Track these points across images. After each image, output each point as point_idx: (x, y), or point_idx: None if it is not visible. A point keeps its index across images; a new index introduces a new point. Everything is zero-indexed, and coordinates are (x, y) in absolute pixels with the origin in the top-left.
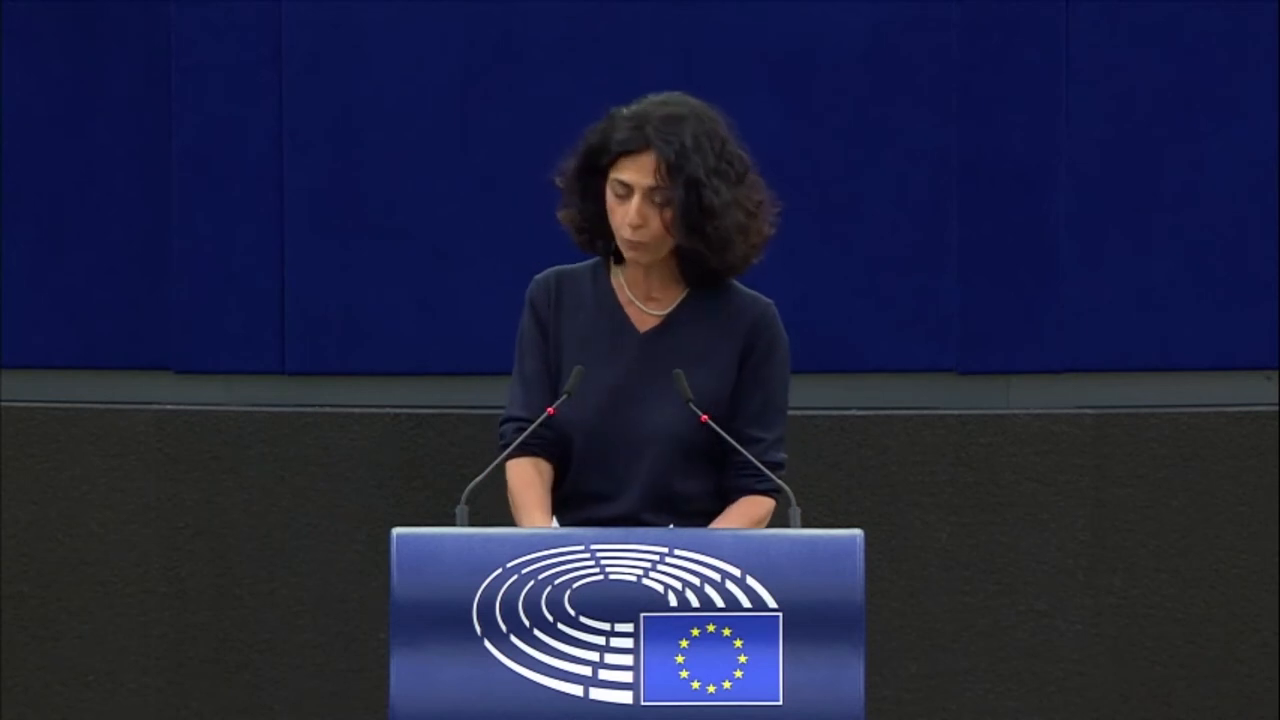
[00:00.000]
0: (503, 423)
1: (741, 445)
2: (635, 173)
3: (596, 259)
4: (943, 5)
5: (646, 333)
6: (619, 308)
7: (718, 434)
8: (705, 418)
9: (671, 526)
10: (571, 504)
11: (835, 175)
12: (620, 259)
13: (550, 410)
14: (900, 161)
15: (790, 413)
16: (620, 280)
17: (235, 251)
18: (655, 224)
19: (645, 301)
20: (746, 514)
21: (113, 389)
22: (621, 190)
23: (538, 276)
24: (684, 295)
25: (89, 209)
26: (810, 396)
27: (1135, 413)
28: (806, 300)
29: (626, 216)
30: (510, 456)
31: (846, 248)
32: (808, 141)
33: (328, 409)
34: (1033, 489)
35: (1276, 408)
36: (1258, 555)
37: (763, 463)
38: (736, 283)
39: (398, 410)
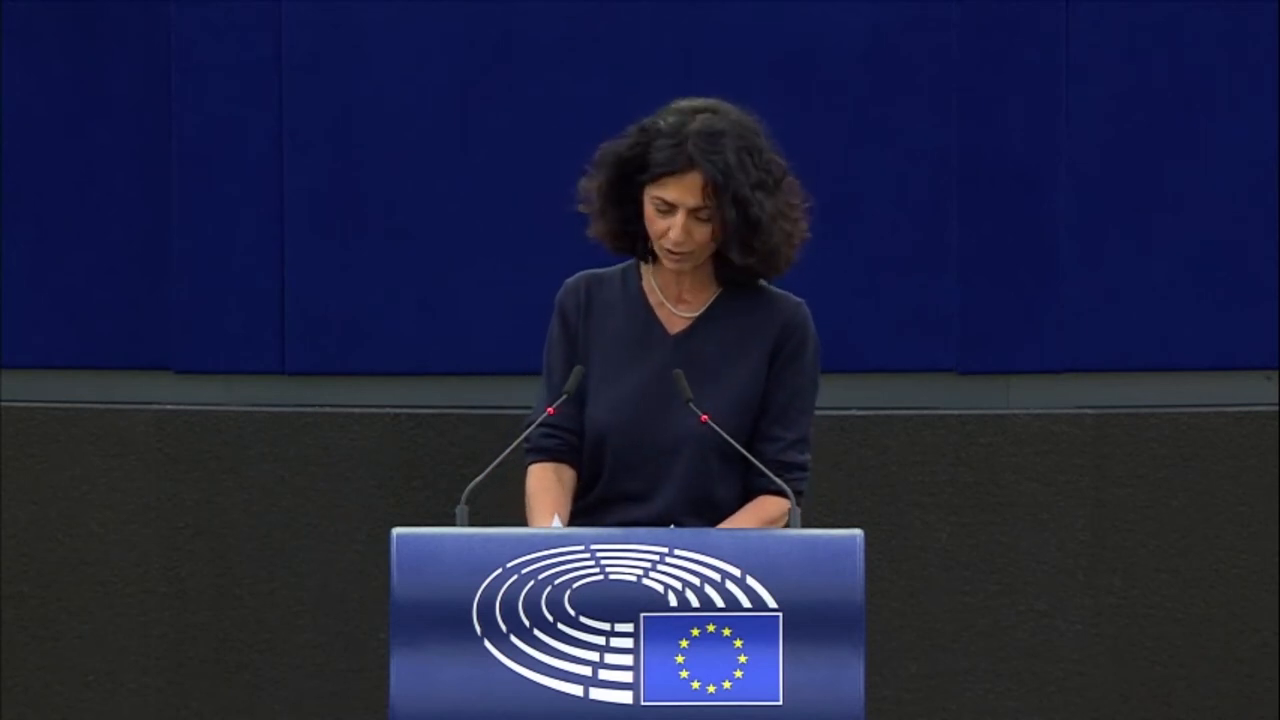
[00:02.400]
0: (528, 425)
1: (762, 443)
2: (679, 192)
3: (627, 262)
4: (943, 5)
5: (677, 334)
6: (649, 310)
7: (739, 436)
8: (705, 418)
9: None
10: (606, 507)
11: (835, 175)
12: (652, 258)
13: (550, 410)
14: (900, 161)
15: None
16: (651, 282)
17: (235, 251)
18: (700, 237)
19: (676, 303)
20: (756, 513)
21: (113, 389)
22: (664, 207)
23: (568, 281)
24: (715, 296)
25: (89, 209)
26: None
27: (1135, 413)
28: (806, 300)
29: (670, 233)
30: (520, 456)
31: (846, 248)
32: (808, 141)
33: (328, 409)
34: (1033, 489)
35: (1276, 408)
36: (1258, 555)
37: (780, 462)
38: (766, 283)
39: (398, 410)
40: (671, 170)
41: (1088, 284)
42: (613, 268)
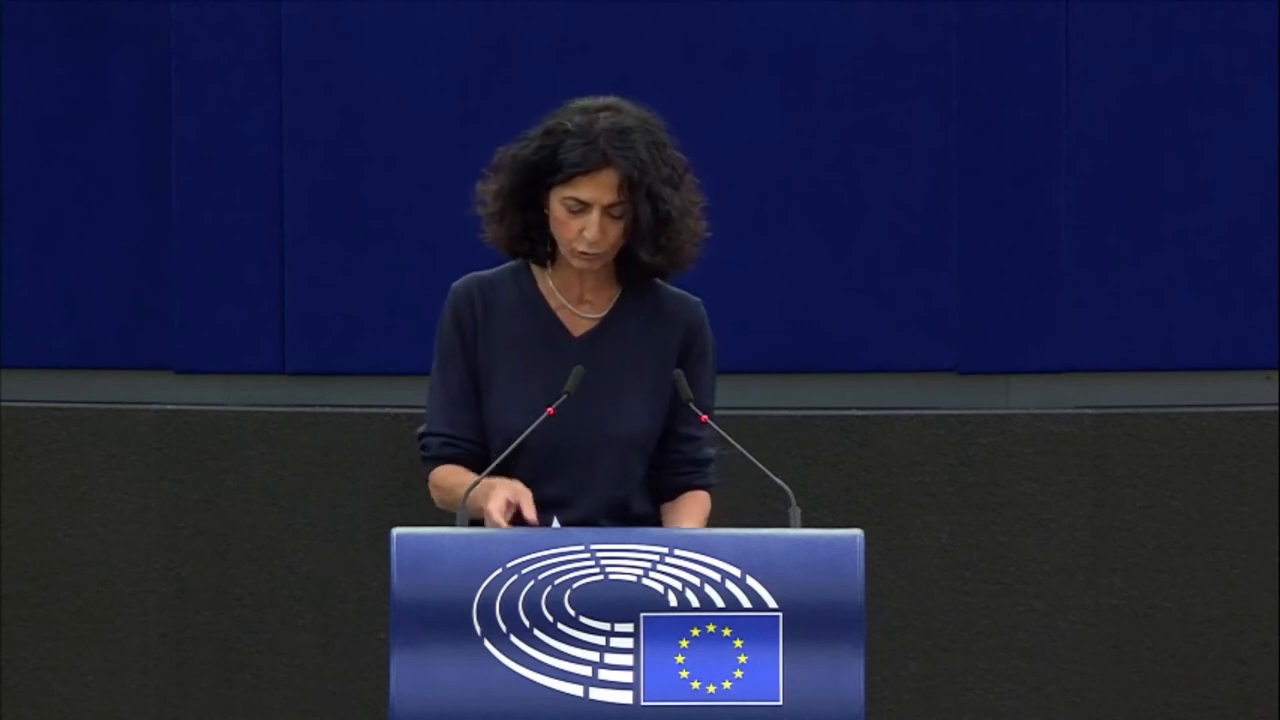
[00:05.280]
0: (422, 436)
1: (680, 444)
2: (593, 190)
3: (512, 264)
4: (943, 5)
5: (582, 337)
6: (550, 312)
7: (654, 436)
8: (705, 418)
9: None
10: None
11: (835, 175)
12: (550, 261)
13: (550, 410)
14: (900, 161)
15: (790, 413)
16: (550, 284)
17: (235, 251)
18: (613, 236)
19: (578, 304)
20: (700, 509)
21: (113, 389)
22: (577, 207)
23: (456, 285)
24: (617, 296)
25: (89, 209)
26: (810, 396)
27: (1135, 413)
28: (807, 300)
29: (586, 232)
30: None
31: (846, 247)
32: (808, 141)
33: (328, 409)
34: (1033, 489)
35: (1276, 408)
36: (1258, 555)
37: (700, 459)
38: (662, 281)
39: (398, 410)
40: (585, 169)
41: (1088, 284)
42: (499, 269)
